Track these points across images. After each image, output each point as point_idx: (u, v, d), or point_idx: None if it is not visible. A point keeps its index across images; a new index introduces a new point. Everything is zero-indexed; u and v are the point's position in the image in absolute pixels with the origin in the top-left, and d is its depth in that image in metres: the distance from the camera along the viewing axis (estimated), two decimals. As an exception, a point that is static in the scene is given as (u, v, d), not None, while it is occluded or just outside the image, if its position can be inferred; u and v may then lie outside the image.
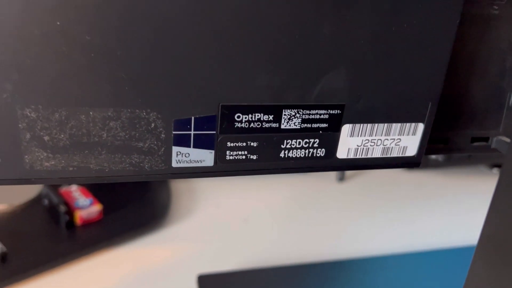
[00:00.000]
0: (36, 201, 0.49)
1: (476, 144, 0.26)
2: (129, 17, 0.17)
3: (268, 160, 0.22)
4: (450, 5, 0.20)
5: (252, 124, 0.21)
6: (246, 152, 0.21)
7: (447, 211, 0.59)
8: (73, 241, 0.45)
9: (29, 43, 0.17)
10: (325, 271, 0.45)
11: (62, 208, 0.45)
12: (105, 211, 0.48)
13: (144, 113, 0.19)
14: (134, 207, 0.50)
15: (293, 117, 0.21)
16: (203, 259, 0.46)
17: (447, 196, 0.62)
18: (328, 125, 0.21)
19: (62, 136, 0.19)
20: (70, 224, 0.46)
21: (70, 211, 0.46)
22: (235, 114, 0.20)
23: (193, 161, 0.21)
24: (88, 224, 0.47)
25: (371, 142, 0.22)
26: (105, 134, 0.19)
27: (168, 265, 0.45)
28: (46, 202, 0.48)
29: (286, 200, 0.58)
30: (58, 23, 0.17)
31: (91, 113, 0.18)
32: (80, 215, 0.46)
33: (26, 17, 0.16)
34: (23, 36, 0.17)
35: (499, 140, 0.26)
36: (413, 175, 0.67)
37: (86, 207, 0.47)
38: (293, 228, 0.53)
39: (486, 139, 0.26)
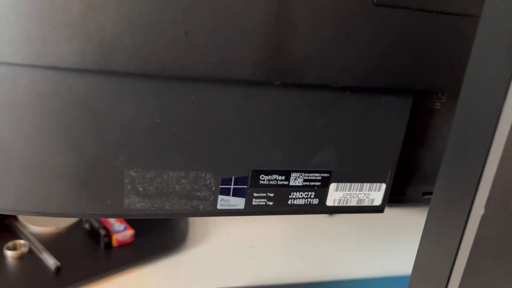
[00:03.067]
0: (77, 225, 0.59)
1: (426, 196, 0.37)
2: (198, 119, 0.28)
3: (280, 205, 0.32)
4: (402, 106, 0.31)
5: (270, 182, 0.31)
6: (265, 200, 0.31)
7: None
8: (111, 259, 0.54)
9: (136, 133, 0.27)
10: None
11: (103, 232, 0.55)
12: (136, 235, 0.58)
13: (204, 174, 0.29)
14: (159, 232, 0.60)
15: (298, 177, 0.31)
16: (216, 278, 0.56)
17: (419, 228, 0.72)
18: (320, 183, 0.32)
19: (150, 187, 0.29)
20: (108, 245, 0.55)
21: (108, 234, 0.56)
22: (260, 175, 0.31)
23: (231, 205, 0.31)
24: (123, 245, 0.56)
25: (349, 195, 0.33)
26: (177, 187, 0.29)
27: (187, 283, 0.55)
28: (87, 226, 0.58)
29: (286, 231, 0.68)
30: (157, 120, 0.27)
31: (170, 173, 0.29)
32: (117, 238, 0.56)
33: (136, 117, 0.27)
34: (133, 128, 0.27)
35: (443, 194, 0.37)
36: (393, 210, 0.77)
37: (121, 231, 0.57)
38: (291, 254, 0.63)
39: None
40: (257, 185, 0.31)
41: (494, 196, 0.22)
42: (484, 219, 0.22)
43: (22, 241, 0.54)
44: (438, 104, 0.35)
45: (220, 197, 0.30)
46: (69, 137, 0.27)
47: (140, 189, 0.29)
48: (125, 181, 0.28)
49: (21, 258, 0.52)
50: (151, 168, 0.28)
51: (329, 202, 0.33)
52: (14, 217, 0.58)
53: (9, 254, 0.52)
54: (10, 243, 0.53)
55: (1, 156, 0.27)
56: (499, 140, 0.21)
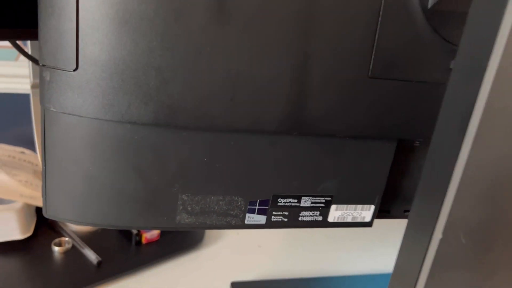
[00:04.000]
0: (110, 224, 0.68)
1: (406, 213, 0.46)
2: (234, 158, 0.37)
3: (292, 221, 0.41)
4: (388, 148, 0.41)
5: (286, 203, 0.40)
6: (282, 217, 0.41)
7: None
8: (141, 255, 0.64)
9: (189, 168, 0.37)
10: (318, 285, 0.64)
11: (134, 230, 0.64)
12: (162, 234, 0.67)
13: (236, 198, 0.39)
14: (181, 232, 0.70)
15: (307, 200, 0.41)
16: (228, 272, 0.65)
17: (400, 233, 0.82)
18: (324, 205, 0.41)
19: (197, 208, 0.38)
20: (139, 242, 0.65)
21: (139, 233, 0.65)
22: (278, 198, 0.40)
23: (255, 221, 0.40)
24: (150, 243, 0.66)
25: (346, 213, 0.42)
26: (216, 207, 0.39)
27: (206, 275, 0.64)
28: (118, 225, 0.67)
29: (289, 232, 0.78)
30: (205, 159, 0.37)
31: (212, 197, 0.38)
32: (145, 236, 0.65)
33: (190, 157, 0.36)
34: (187, 165, 0.36)
35: (420, 212, 0.46)
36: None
37: (149, 230, 0.66)
38: (294, 253, 0.72)
39: (412, 211, 0.46)
40: (275, 206, 0.40)
41: (448, 227, 0.31)
42: (441, 242, 0.32)
43: (66, 238, 0.63)
44: (417, 143, 0.44)
45: (247, 214, 0.40)
46: (140, 170, 0.36)
47: (189, 208, 0.38)
48: (178, 203, 0.38)
49: (65, 253, 0.61)
50: (198, 193, 0.38)
51: (330, 219, 0.42)
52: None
53: (56, 249, 0.61)
54: (56, 240, 0.62)
55: (86, 184, 0.36)
56: (453, 188, 0.30)
